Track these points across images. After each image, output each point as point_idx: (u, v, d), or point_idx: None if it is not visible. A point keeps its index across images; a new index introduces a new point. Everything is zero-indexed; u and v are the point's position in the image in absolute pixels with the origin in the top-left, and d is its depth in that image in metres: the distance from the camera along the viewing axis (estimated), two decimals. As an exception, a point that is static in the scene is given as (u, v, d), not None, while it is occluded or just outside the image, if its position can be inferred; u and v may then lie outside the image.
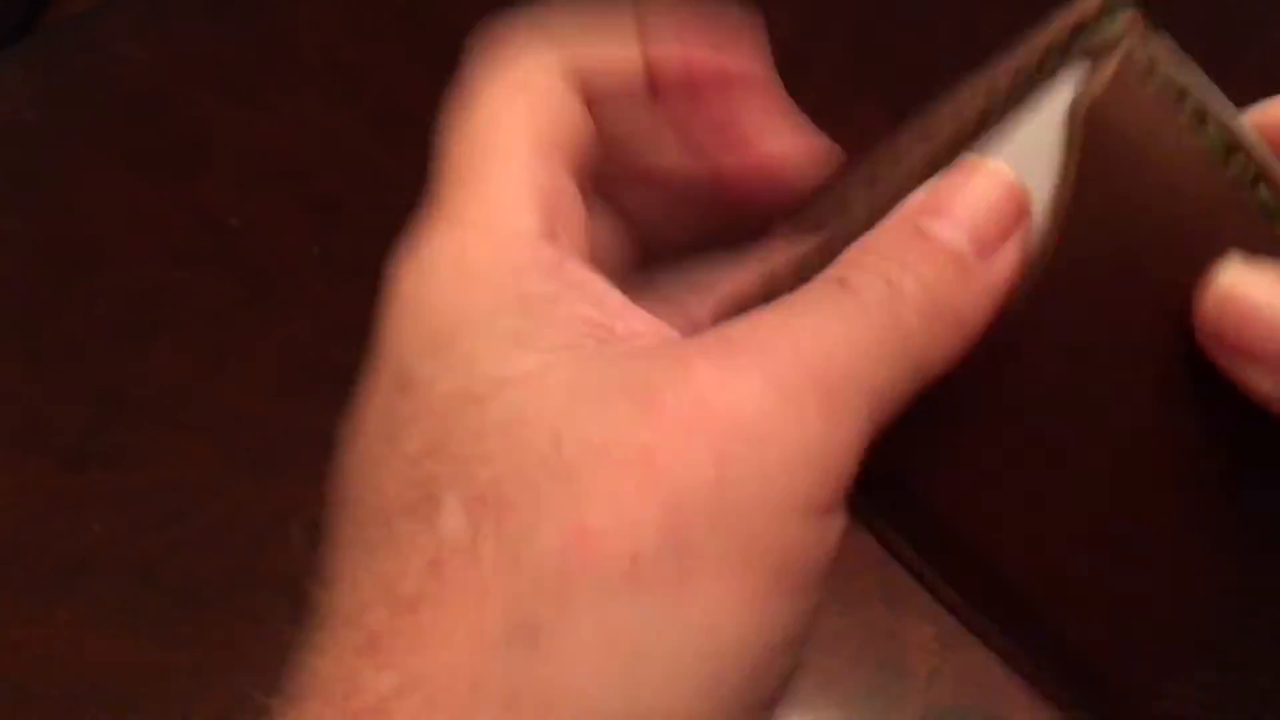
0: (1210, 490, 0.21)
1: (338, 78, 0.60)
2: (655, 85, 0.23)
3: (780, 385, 0.18)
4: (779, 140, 0.24)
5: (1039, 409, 0.21)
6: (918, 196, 0.21)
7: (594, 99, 0.23)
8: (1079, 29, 0.21)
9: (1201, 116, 0.21)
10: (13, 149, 0.59)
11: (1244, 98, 0.26)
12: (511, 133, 0.22)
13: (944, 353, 0.20)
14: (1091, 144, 0.20)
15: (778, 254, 0.22)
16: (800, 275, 0.20)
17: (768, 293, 0.20)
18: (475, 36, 0.24)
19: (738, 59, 0.23)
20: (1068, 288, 0.21)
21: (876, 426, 0.19)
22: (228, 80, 0.60)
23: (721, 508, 0.18)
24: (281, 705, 0.20)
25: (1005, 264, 0.21)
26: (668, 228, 0.25)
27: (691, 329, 0.21)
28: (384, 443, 0.21)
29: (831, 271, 0.20)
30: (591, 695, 0.17)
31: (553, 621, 0.17)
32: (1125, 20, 0.21)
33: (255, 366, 0.52)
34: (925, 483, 0.22)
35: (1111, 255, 0.21)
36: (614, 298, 0.21)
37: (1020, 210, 0.21)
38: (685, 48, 0.23)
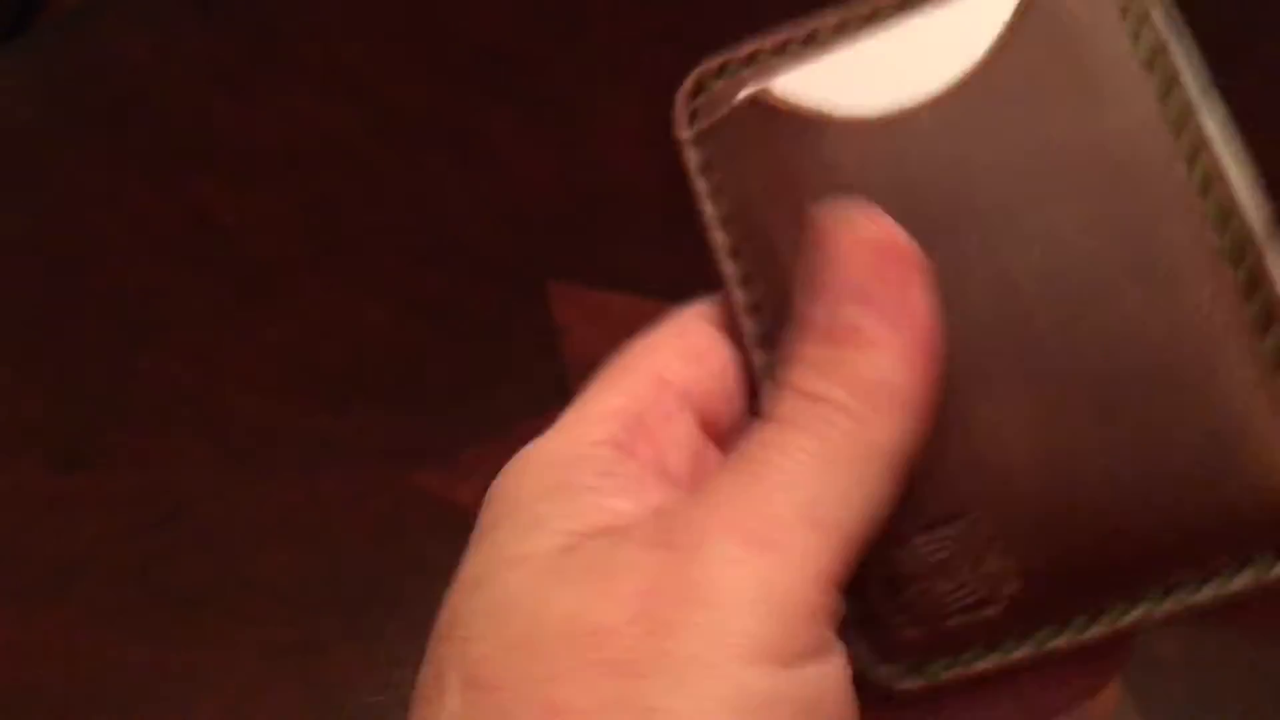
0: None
1: (335, 77, 0.59)
2: None
3: (732, 552, 0.19)
4: None
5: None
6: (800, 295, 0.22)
7: None
8: None
9: (1151, 61, 0.23)
10: (7, 147, 0.59)
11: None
12: (639, 360, 0.24)
13: (908, 427, 0.21)
14: (1041, 23, 0.23)
15: None
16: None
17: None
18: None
19: None
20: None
21: (862, 542, 0.20)
22: (224, 78, 0.60)
23: (676, 670, 0.19)
24: None
25: (920, 313, 0.21)
26: None
27: None
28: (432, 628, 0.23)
29: (776, 410, 0.21)
30: None
31: None
32: None
33: (251, 366, 0.52)
34: None
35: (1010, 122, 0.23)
36: (659, 493, 0.22)
37: (907, 258, 0.22)
38: None
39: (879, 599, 0.23)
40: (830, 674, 0.20)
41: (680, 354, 0.24)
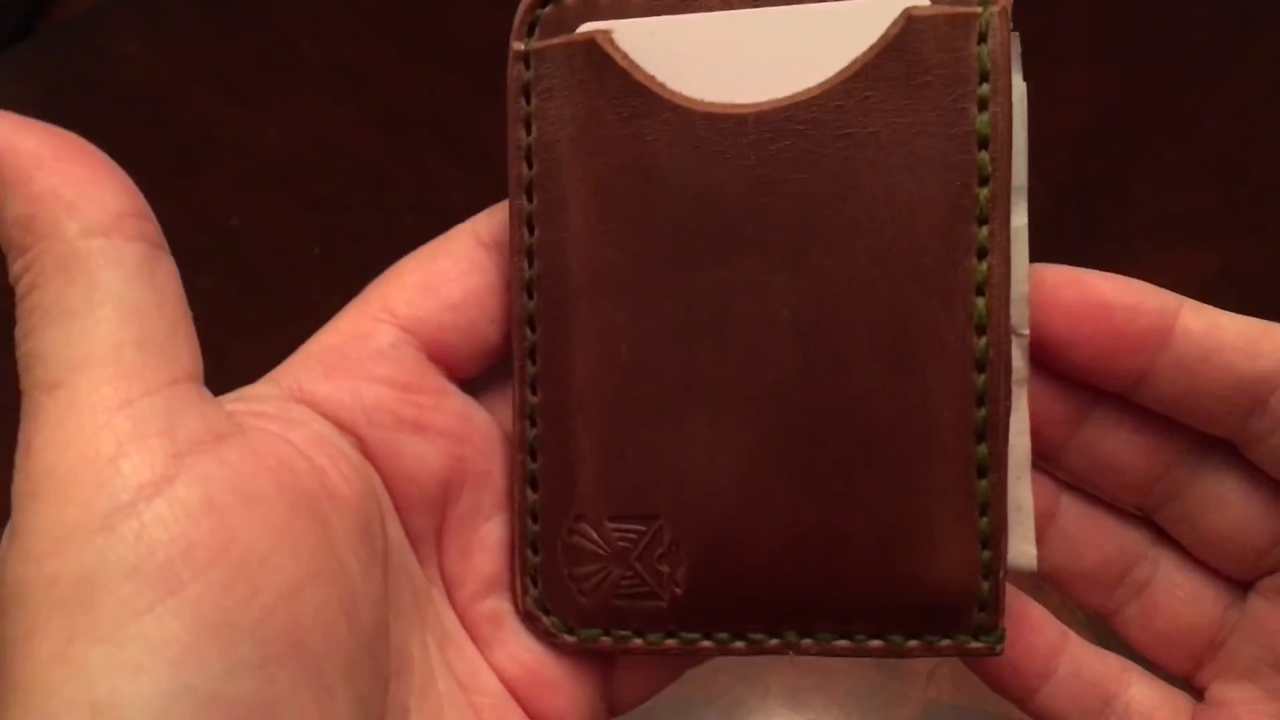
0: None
1: (337, 78, 0.60)
2: None
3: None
4: None
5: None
6: None
7: None
8: None
9: (984, 103, 0.23)
10: (13, 150, 0.59)
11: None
12: (374, 292, 0.26)
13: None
14: (910, 45, 0.23)
15: None
16: None
17: None
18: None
19: None
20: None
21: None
22: (228, 81, 0.60)
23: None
24: None
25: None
26: None
27: None
28: None
29: None
30: None
31: None
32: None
33: (255, 366, 0.52)
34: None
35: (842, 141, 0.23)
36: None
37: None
38: None
39: (561, 561, 0.25)
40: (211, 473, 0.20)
41: (419, 284, 0.25)
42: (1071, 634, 0.26)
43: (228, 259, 0.56)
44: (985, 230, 0.23)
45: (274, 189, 0.57)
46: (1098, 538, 0.26)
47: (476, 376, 0.26)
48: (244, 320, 0.54)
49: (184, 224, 0.56)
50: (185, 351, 0.21)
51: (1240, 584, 0.25)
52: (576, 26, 0.24)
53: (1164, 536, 0.26)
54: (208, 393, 0.21)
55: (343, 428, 0.24)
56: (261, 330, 0.53)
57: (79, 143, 0.21)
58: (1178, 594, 0.26)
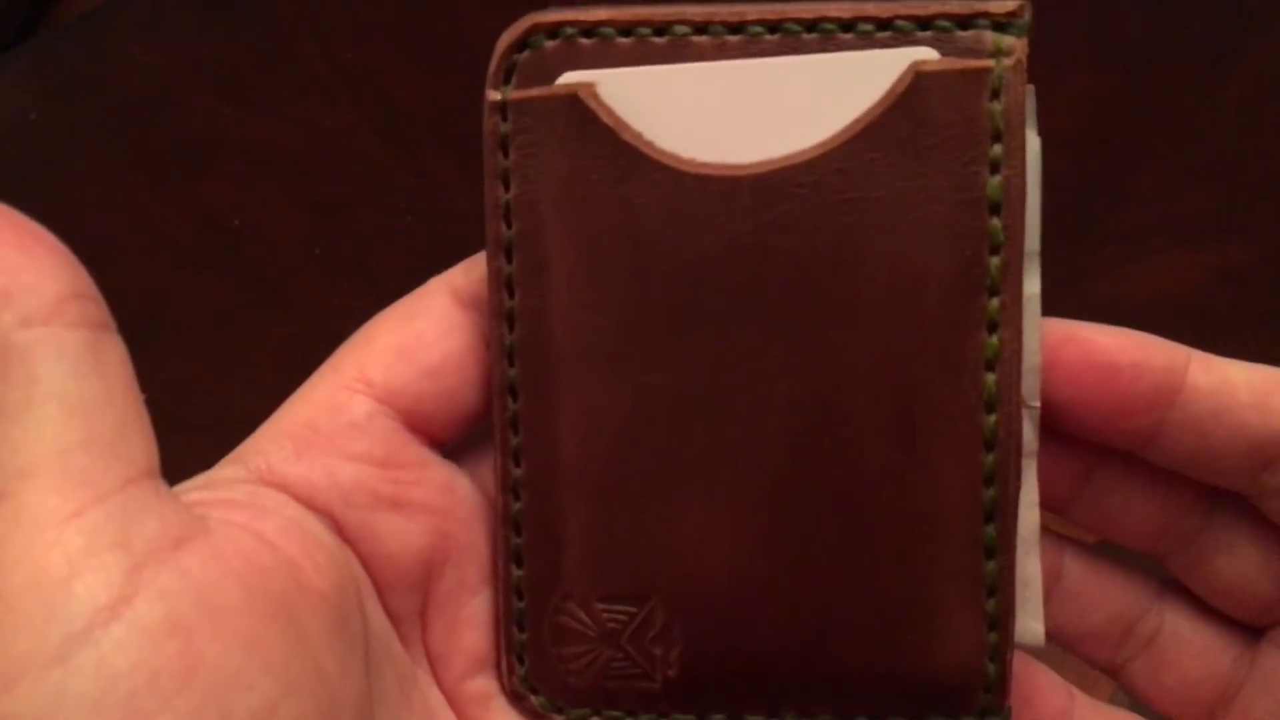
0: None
1: (339, 80, 0.60)
2: None
3: None
4: None
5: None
6: None
7: None
8: (976, 15, 0.22)
9: (996, 166, 0.22)
10: (15, 150, 0.60)
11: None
12: (348, 357, 0.24)
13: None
14: (917, 103, 0.21)
15: None
16: None
17: None
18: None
19: None
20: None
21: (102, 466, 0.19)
22: (230, 82, 0.60)
23: None
24: None
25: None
26: None
27: None
28: None
29: None
30: None
31: None
32: (1022, 40, 0.22)
33: (256, 367, 0.52)
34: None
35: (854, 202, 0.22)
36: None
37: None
38: None
39: (547, 640, 0.24)
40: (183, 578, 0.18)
41: (394, 348, 0.23)
42: (1078, 694, 0.25)
43: (229, 259, 0.56)
44: (996, 302, 0.22)
45: (275, 190, 0.57)
46: (1103, 595, 0.25)
47: (457, 440, 0.25)
48: (245, 320, 0.54)
49: (185, 225, 0.57)
50: (138, 445, 0.19)
51: (1250, 633, 0.25)
52: (557, 73, 0.23)
53: (1169, 588, 0.26)
54: (164, 487, 0.20)
55: (317, 510, 0.22)
56: (262, 331, 0.53)
57: (11, 219, 0.19)
58: (1185, 646, 0.25)
